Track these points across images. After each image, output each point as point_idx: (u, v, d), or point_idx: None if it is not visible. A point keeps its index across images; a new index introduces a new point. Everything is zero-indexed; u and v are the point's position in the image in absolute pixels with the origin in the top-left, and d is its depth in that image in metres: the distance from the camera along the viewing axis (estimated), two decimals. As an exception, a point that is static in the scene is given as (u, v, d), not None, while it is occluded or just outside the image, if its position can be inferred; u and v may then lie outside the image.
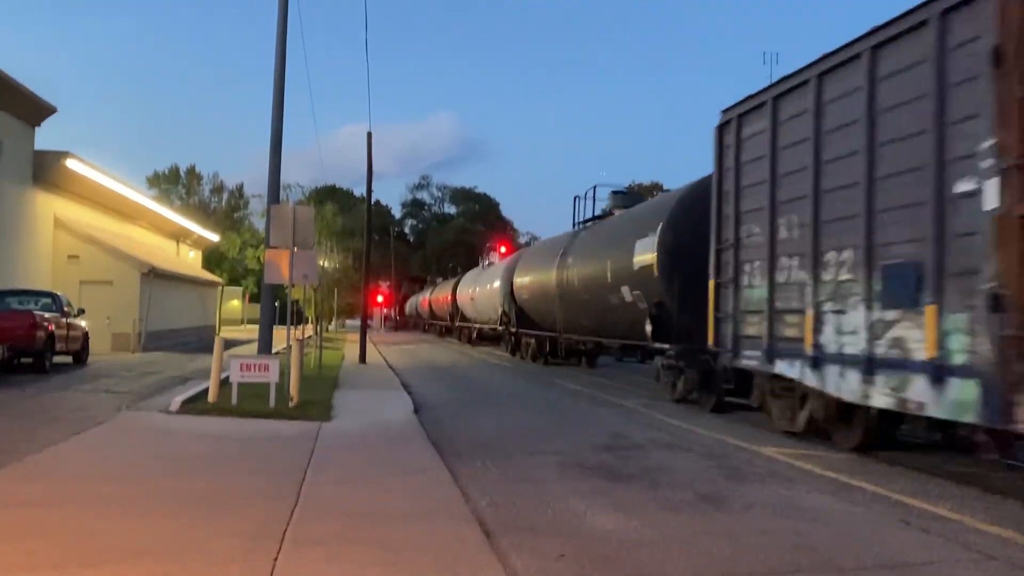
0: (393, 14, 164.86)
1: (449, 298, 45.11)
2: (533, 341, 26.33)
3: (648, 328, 14.72)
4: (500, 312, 30.28)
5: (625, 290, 16.20)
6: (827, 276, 9.19)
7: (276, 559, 4.79)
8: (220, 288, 42.89)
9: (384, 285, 71.61)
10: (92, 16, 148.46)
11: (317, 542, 5.19)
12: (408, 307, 73.11)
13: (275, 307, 16.66)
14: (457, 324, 43.57)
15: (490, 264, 38.73)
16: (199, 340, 33.19)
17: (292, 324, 20.52)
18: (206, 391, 12.45)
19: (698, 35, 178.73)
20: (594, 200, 23.18)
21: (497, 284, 30.98)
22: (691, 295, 13.07)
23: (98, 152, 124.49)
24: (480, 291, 35.45)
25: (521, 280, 26.63)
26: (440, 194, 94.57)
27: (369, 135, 26.49)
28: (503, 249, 45.87)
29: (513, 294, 27.48)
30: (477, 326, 38.02)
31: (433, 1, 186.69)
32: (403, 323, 75.32)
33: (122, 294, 26.16)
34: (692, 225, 13.60)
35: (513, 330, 28.02)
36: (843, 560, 5.32)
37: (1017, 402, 6.48)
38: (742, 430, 11.33)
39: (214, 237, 48.62)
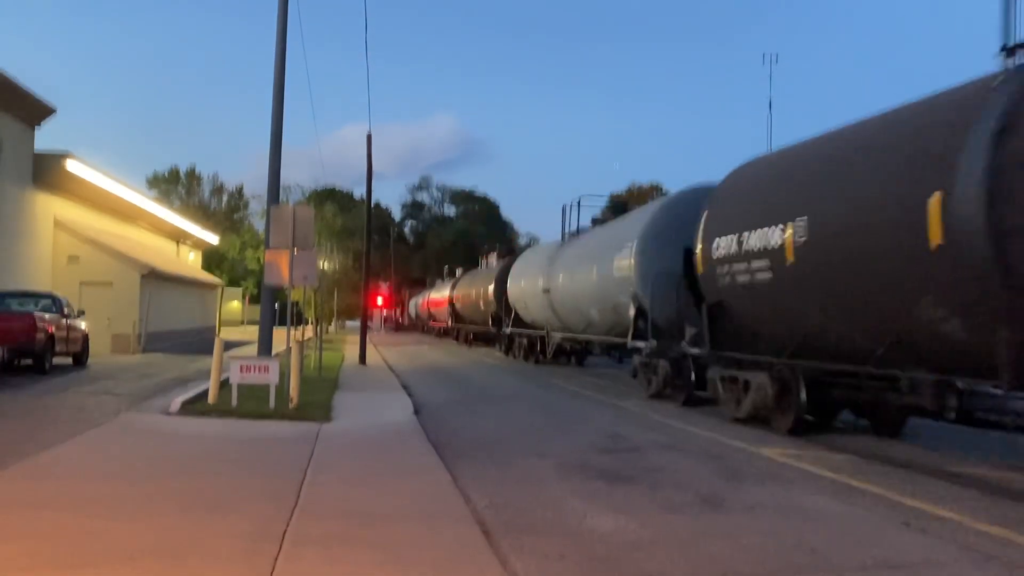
0: (393, 14, 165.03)
1: (489, 295, 32.60)
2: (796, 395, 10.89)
3: None
4: (634, 314, 16.04)
5: None
6: None
7: (276, 559, 4.79)
8: (220, 289, 42.89)
9: (384, 286, 71.48)
10: (92, 16, 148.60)
11: (317, 542, 5.20)
12: (411, 308, 68.26)
13: (275, 308, 16.66)
14: (508, 331, 29.61)
15: (578, 231, 24.14)
16: (199, 341, 33.17)
17: (292, 325, 20.54)
18: (206, 392, 12.45)
19: (699, 36, 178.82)
20: None
21: (622, 261, 16.75)
22: None
23: (98, 153, 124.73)
24: (565, 281, 21.81)
25: (736, 241, 11.75)
26: (440, 195, 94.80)
27: (369, 136, 26.52)
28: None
29: (698, 277, 13.16)
30: (558, 335, 23.78)
31: (433, 2, 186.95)
32: (403, 325, 75.23)
33: (122, 295, 26.16)
34: None
35: (695, 352, 13.60)
36: (843, 561, 5.32)
37: None
38: (742, 431, 11.32)
39: (214, 238, 48.63)
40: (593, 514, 6.36)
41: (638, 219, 17.59)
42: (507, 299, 29.21)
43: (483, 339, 38.37)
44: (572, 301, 21.51)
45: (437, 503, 6.48)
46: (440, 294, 49.36)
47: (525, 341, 27.84)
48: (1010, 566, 5.32)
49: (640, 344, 15.76)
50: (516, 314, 28.35)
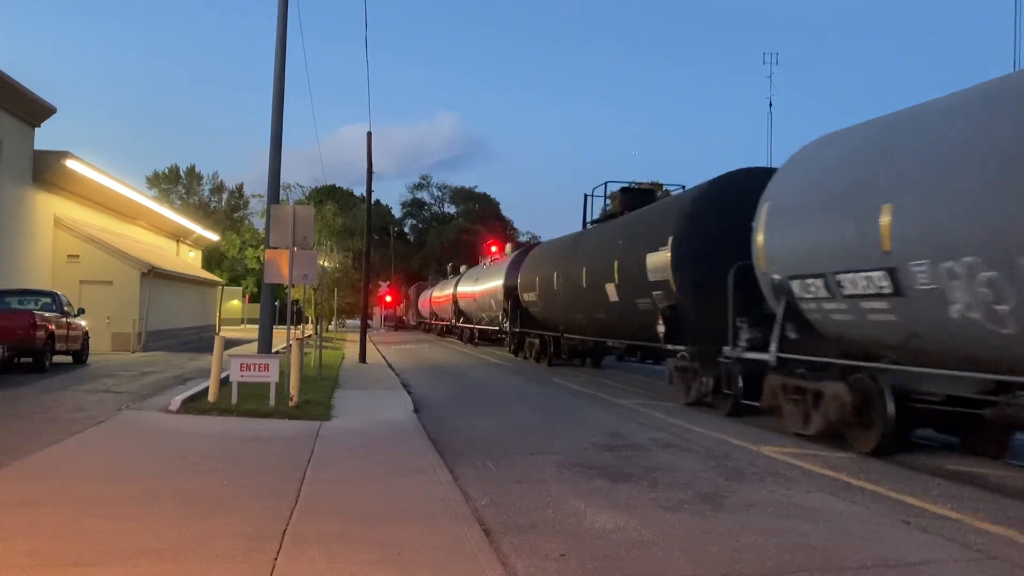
0: (394, 14, 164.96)
1: (647, 273, 14.59)
2: None
3: None
4: None
5: None
6: None
7: (276, 558, 4.79)
8: (220, 288, 42.87)
9: (384, 285, 71.34)
10: (92, 16, 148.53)
11: (317, 541, 5.19)
12: (425, 306, 59.17)
13: (275, 307, 16.65)
14: (777, 357, 10.66)
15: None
16: (199, 340, 33.18)
17: (292, 324, 20.52)
18: (206, 390, 12.45)
19: (699, 36, 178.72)
20: None
21: None
22: None
23: (98, 152, 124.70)
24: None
25: None
26: (440, 194, 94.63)
27: (369, 135, 26.51)
28: (493, 249, 37.94)
29: None
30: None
31: (434, 2, 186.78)
32: (404, 323, 75.09)
33: (122, 294, 26.14)
34: None
35: None
36: (843, 560, 5.31)
37: None
38: (743, 430, 11.32)
39: (214, 237, 48.60)
40: (594, 513, 6.35)
41: None
42: (763, 271, 11.25)
43: (560, 361, 23.83)
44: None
45: (437, 502, 6.48)
46: (479, 286, 32.93)
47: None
48: (1011, 565, 5.32)
49: None
50: (799, 313, 10.56)
